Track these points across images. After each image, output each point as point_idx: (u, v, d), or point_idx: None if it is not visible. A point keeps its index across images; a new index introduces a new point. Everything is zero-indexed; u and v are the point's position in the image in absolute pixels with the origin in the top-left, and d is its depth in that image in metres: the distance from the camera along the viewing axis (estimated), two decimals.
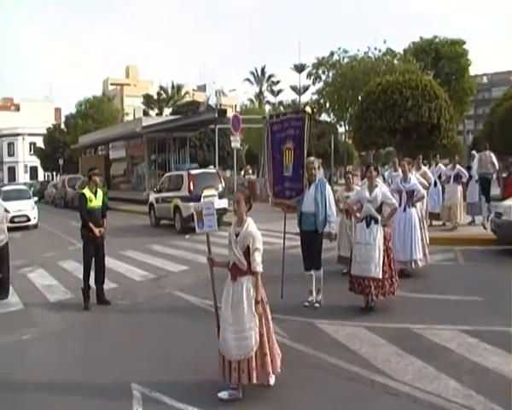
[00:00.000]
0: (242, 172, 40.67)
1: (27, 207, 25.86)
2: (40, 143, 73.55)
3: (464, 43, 44.73)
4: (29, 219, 25.58)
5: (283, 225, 10.39)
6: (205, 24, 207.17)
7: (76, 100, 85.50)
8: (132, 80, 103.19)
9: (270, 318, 5.90)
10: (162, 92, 77.96)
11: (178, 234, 19.98)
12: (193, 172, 21.61)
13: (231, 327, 5.72)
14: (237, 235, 5.84)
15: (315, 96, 44.62)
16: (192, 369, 6.66)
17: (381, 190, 8.91)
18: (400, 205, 10.68)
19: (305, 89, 58.41)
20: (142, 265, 14.02)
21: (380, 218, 8.78)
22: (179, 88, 78.61)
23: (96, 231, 10.31)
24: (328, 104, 42.43)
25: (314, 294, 9.29)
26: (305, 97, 61.32)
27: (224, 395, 5.73)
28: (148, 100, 78.15)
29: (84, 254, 10.56)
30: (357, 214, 9.29)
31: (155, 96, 78.56)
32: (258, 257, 5.72)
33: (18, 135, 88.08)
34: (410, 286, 9.94)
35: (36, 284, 12.58)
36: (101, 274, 10.57)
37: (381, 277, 8.49)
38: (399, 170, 12.57)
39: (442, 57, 43.51)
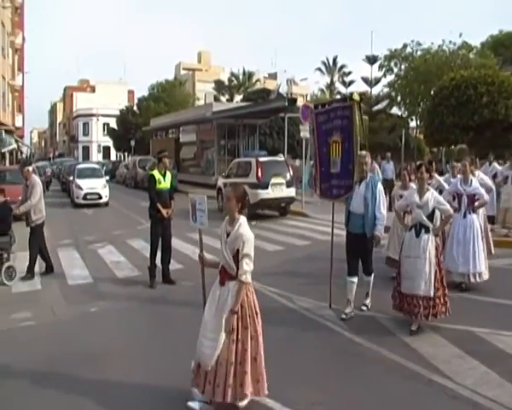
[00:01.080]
0: (312, 162, 40.54)
1: (99, 186, 26.60)
2: (113, 123, 75.33)
3: None
4: (100, 197, 26.29)
5: (331, 220, 9.23)
6: (277, 11, 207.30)
7: (149, 83, 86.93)
8: (204, 66, 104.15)
9: (259, 331, 5.27)
10: (233, 79, 78.36)
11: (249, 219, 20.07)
12: (261, 159, 21.63)
13: (210, 334, 5.22)
14: (228, 234, 5.30)
15: (386, 89, 44.05)
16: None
17: (433, 194, 7.88)
18: (459, 210, 10.03)
19: (377, 81, 57.57)
20: (209, 248, 14.00)
21: (431, 226, 7.77)
22: (250, 75, 78.82)
23: (164, 212, 10.56)
24: (399, 98, 41.75)
25: (352, 305, 8.38)
26: (377, 89, 60.61)
27: (194, 405, 5.33)
28: (219, 86, 78.72)
29: (151, 234, 10.86)
30: (406, 221, 8.64)
31: (226, 83, 79.03)
32: (246, 265, 5.13)
33: (92, 115, 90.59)
34: (474, 288, 9.72)
35: (105, 259, 13.01)
36: (168, 254, 10.85)
37: (432, 295, 7.48)
38: (460, 170, 10.96)
39: None
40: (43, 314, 8.77)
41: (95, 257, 13.29)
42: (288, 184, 21.30)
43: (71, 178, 28.92)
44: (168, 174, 10.94)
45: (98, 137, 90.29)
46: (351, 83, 73.15)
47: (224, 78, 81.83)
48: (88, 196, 25.86)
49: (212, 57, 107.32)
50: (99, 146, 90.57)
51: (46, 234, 12.15)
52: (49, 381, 6.13)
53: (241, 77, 78.42)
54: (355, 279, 8.46)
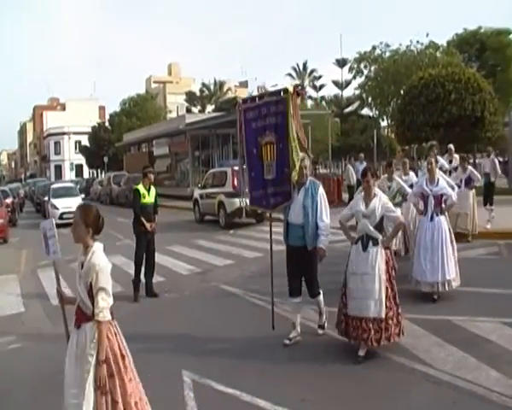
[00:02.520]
0: (244, 166, 40.78)
1: (75, 205, 26.34)
2: (85, 141, 75.09)
3: (511, 32, 43.42)
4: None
5: (269, 232, 8.39)
6: (245, 19, 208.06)
7: (120, 98, 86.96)
8: (175, 78, 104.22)
9: (131, 377, 4.50)
10: (204, 89, 78.60)
11: (223, 229, 20.26)
12: (236, 168, 21.82)
13: (73, 390, 4.33)
14: (83, 266, 4.46)
15: (357, 91, 44.53)
16: (238, 357, 6.99)
17: (381, 200, 6.95)
18: (426, 212, 9.38)
19: (348, 83, 58.01)
20: (189, 259, 14.35)
21: (380, 238, 6.88)
22: (221, 85, 79.17)
23: (148, 225, 10.72)
24: (370, 99, 42.26)
25: (298, 329, 7.56)
26: (348, 92, 61.13)
27: None
28: (190, 97, 78.91)
29: (136, 248, 11.01)
30: (353, 235, 7.27)
31: (198, 94, 79.25)
32: (102, 300, 4.29)
33: (64, 134, 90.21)
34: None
35: None
36: (152, 268, 10.99)
37: (383, 316, 6.60)
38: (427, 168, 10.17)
39: (487, 48, 42.38)
40: (28, 336, 8.80)
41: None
42: None
43: (45, 198, 28.80)
44: (152, 189, 11.12)
45: (70, 156, 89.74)
46: (322, 86, 73.84)
47: (196, 89, 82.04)
48: (64, 216, 25.62)
49: (182, 69, 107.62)
50: (71, 164, 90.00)
51: (25, 256, 12.15)
52: (39, 399, 6.20)
53: (212, 87, 78.74)
54: (298, 299, 7.57)
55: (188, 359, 6.97)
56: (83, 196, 30.06)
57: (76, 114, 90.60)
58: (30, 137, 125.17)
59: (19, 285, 12.60)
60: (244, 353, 7.12)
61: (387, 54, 40.00)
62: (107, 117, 77.08)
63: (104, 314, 4.29)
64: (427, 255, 9.14)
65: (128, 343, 7.94)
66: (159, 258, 12.91)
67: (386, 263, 6.81)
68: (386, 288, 6.70)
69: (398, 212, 7.20)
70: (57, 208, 26.02)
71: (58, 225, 18.22)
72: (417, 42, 38.92)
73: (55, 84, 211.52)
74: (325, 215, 7.32)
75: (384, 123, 49.73)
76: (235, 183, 20.60)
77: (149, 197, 10.99)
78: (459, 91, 25.52)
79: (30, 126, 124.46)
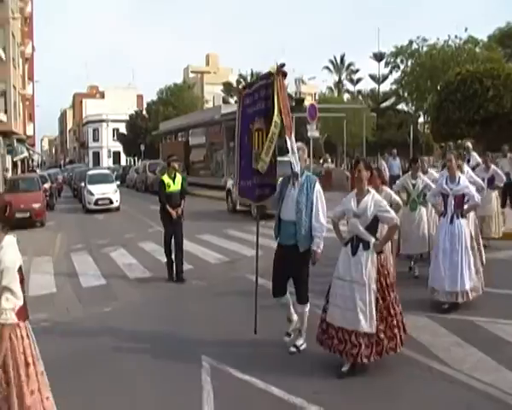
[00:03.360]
0: (322, 161, 40.73)
1: (110, 191, 26.98)
2: (123, 129, 75.94)
3: None
4: (112, 202, 26.65)
5: (256, 229, 8.07)
6: (284, 11, 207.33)
7: (157, 87, 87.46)
8: (212, 68, 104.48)
9: (33, 390, 4.08)
10: (241, 80, 78.65)
11: (254, 220, 20.33)
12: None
13: None
14: None
15: (394, 86, 44.20)
16: (257, 346, 7.11)
17: (375, 197, 6.20)
18: (446, 214, 8.55)
19: (385, 78, 57.50)
20: (218, 248, 14.51)
21: (372, 241, 6.16)
22: (258, 76, 79.12)
23: (173, 213, 10.98)
24: (406, 94, 41.88)
25: (294, 317, 7.05)
26: (385, 86, 60.60)
27: None
28: (227, 88, 79.03)
29: (164, 235, 11.39)
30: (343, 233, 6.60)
31: (235, 84, 79.39)
32: (6, 301, 3.93)
33: (102, 121, 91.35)
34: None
35: (117, 262, 13.33)
36: (180, 254, 11.24)
37: (374, 331, 5.97)
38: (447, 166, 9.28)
39: None
40: (58, 315, 9.08)
41: (107, 260, 13.62)
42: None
43: (82, 184, 29.35)
44: (178, 176, 11.39)
45: (108, 143, 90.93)
46: (358, 80, 73.28)
47: (233, 79, 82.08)
48: (99, 202, 26.25)
49: (220, 59, 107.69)
50: (109, 151, 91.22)
51: (59, 239, 12.49)
52: (66, 375, 6.41)
53: (249, 78, 78.67)
54: (284, 299, 7.03)
55: (208, 345, 7.13)
56: (118, 182, 30.45)
57: (114, 102, 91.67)
58: (70, 124, 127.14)
59: (52, 267, 12.95)
60: (263, 343, 7.21)
61: (424, 48, 39.58)
62: (145, 106, 77.85)
63: (7, 316, 3.92)
64: (446, 262, 8.33)
65: (153, 326, 8.21)
66: (189, 246, 13.12)
67: (378, 270, 6.12)
68: (377, 299, 6.04)
69: (393, 212, 6.31)
70: (92, 194, 26.50)
71: (93, 211, 19.18)
72: (456, 36, 38.49)
73: (94, 72, 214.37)
74: (321, 215, 6.64)
75: (421, 119, 49.29)
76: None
77: (174, 185, 11.27)
78: (497, 88, 25.14)
79: (70, 113, 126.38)
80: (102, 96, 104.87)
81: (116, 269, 12.52)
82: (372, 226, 6.20)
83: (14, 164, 44.82)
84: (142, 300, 9.93)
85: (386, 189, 8.88)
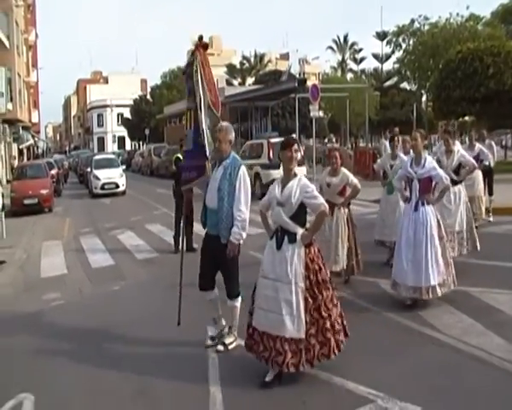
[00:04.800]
0: (326, 141, 40.91)
1: (116, 175, 27.32)
2: (127, 113, 76.23)
3: None
4: (118, 186, 27.03)
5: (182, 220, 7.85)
6: None
7: (161, 71, 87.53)
8: (216, 50, 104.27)
9: None
10: (245, 62, 78.56)
11: (258, 200, 20.59)
12: (272, 140, 22.16)
13: None
14: None
15: (396, 65, 44.20)
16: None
17: (301, 181, 5.45)
18: (410, 200, 7.64)
19: (388, 57, 57.42)
20: None
21: (300, 232, 5.41)
22: (262, 57, 78.96)
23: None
24: (408, 73, 41.87)
25: (223, 322, 6.63)
26: (388, 65, 60.55)
27: None
28: (231, 69, 78.95)
29: (175, 209, 12.12)
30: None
31: (238, 66, 79.32)
32: None
33: (106, 106, 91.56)
34: (473, 252, 9.72)
35: (125, 244, 13.71)
36: (190, 225, 11.73)
37: (303, 336, 5.29)
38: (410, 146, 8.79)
39: None
40: (70, 295, 9.47)
41: (115, 242, 13.99)
42: (299, 164, 21.79)
43: (88, 169, 29.70)
44: None
45: (113, 128, 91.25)
46: (362, 60, 73.23)
47: (236, 61, 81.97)
48: (105, 186, 26.61)
49: (224, 41, 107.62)
50: (114, 136, 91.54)
51: (68, 224, 12.86)
52: (81, 349, 6.82)
53: (252, 59, 78.58)
54: (211, 295, 6.55)
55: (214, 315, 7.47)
56: (124, 167, 30.81)
57: (118, 87, 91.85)
58: (74, 110, 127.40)
59: (62, 250, 13.34)
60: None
61: (426, 27, 39.48)
62: (149, 90, 78.05)
63: None
64: (409, 253, 7.45)
65: (159, 302, 8.55)
66: (195, 227, 13.44)
67: (307, 266, 5.40)
68: (306, 299, 5.33)
69: (321, 198, 5.48)
70: (99, 179, 26.84)
71: (100, 195, 19.63)
72: (457, 14, 38.39)
73: (98, 58, 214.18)
74: (243, 203, 6.07)
75: (425, 97, 49.30)
76: (271, 154, 20.97)
77: None
78: (498, 65, 25.13)
79: (74, 100, 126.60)
80: (106, 81, 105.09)
81: (124, 250, 12.89)
82: (298, 215, 5.43)
83: (21, 152, 45.21)
84: (150, 278, 10.30)
85: (344, 170, 8.45)
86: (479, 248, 9.34)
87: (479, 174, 12.19)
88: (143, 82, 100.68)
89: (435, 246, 7.38)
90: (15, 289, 10.16)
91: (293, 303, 5.29)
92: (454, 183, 9.06)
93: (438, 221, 7.57)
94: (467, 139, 14.37)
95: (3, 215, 14.29)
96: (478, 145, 12.71)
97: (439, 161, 9.08)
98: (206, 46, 6.84)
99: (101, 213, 20.41)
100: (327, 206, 5.47)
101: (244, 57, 79.04)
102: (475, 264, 9.35)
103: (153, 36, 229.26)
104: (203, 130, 6.62)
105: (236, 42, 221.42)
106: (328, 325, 5.42)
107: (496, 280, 8.35)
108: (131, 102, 73.85)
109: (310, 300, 5.35)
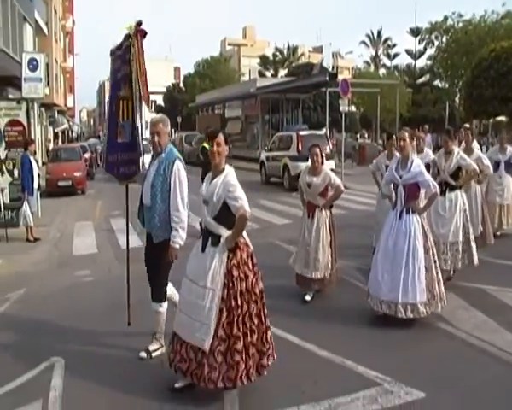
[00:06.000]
0: (358, 136, 41.00)
1: (147, 160, 27.59)
2: (160, 101, 76.80)
3: None
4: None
5: (126, 212, 7.27)
6: None
7: (194, 60, 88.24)
8: (249, 41, 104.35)
9: None
10: (278, 53, 78.63)
11: (286, 191, 20.82)
12: (302, 133, 22.44)
13: None
14: None
15: (429, 62, 43.92)
16: (276, 298, 7.55)
17: (226, 178, 5.00)
18: (395, 207, 6.97)
19: (421, 53, 56.98)
20: (250, 217, 15.17)
21: (225, 235, 4.96)
22: (295, 50, 78.92)
23: None
24: (440, 70, 41.62)
25: (160, 339, 6.09)
26: (421, 62, 60.09)
27: None
28: (264, 61, 79.10)
29: None
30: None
31: (271, 58, 79.43)
32: None
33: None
34: (493, 252, 9.94)
35: None
36: None
37: (207, 348, 4.77)
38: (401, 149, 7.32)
39: None
40: (100, 272, 9.95)
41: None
42: (328, 157, 22.05)
43: None
44: None
45: (145, 115, 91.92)
46: (395, 55, 72.61)
47: (269, 52, 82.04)
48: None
49: (258, 32, 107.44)
50: (146, 123, 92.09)
51: (99, 206, 13.33)
52: (110, 320, 7.23)
53: (285, 51, 78.59)
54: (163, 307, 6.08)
55: None
56: None
57: (152, 75, 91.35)
58: (108, 96, 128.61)
59: (94, 231, 13.88)
60: (281, 295, 7.85)
61: (460, 24, 39.14)
62: (182, 78, 78.57)
63: None
64: (386, 264, 6.80)
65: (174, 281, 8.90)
66: None
67: (230, 273, 4.88)
68: (221, 310, 4.82)
69: (242, 201, 4.93)
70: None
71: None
72: (492, 12, 37.97)
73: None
74: (179, 202, 5.64)
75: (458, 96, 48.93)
76: (300, 147, 21.23)
77: None
78: None
79: (108, 86, 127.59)
80: None
81: None
82: (223, 216, 4.96)
83: (56, 135, 46.14)
84: (176, 261, 10.65)
85: (326, 169, 7.86)
86: (476, 262, 8.47)
87: (510, 180, 11.41)
88: (177, 70, 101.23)
89: (418, 259, 6.64)
90: (50, 265, 10.70)
91: (205, 309, 4.81)
92: (451, 188, 8.39)
93: (425, 232, 6.82)
94: (495, 140, 14.04)
95: (39, 195, 14.83)
96: (510, 148, 11.54)
97: (435, 164, 8.62)
98: (144, 33, 6.27)
99: (131, 198, 20.81)
100: (247, 210, 4.91)
101: (277, 49, 79.07)
102: (494, 263, 9.46)
103: (186, 25, 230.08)
104: (138, 123, 6.42)
105: (270, 33, 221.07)
106: (239, 346, 4.80)
107: None
108: (164, 90, 74.43)
109: (225, 312, 4.82)
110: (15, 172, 13.61)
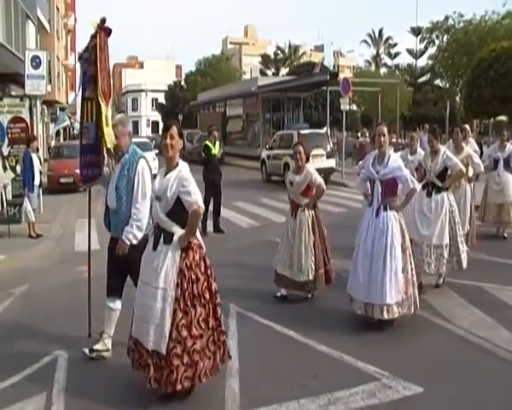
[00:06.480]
0: (359, 135, 41.05)
1: (149, 158, 27.47)
2: (162, 98, 77.00)
3: None
4: (150, 170, 27.35)
5: (88, 211, 7.16)
6: None
7: (196, 58, 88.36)
8: (251, 39, 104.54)
9: None
10: (279, 52, 78.73)
11: (286, 190, 20.91)
12: (302, 131, 22.58)
13: None
14: None
15: (430, 61, 44.00)
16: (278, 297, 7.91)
17: (180, 174, 4.83)
18: (372, 204, 6.70)
19: (422, 53, 57.04)
20: (251, 215, 15.36)
21: (179, 232, 4.82)
22: (296, 48, 79.04)
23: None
24: (441, 70, 41.70)
25: (108, 343, 5.95)
26: (422, 61, 60.17)
27: None
28: (265, 60, 79.23)
29: (205, 192, 12.60)
30: None
31: (272, 56, 79.52)
32: None
33: (141, 91, 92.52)
34: (493, 250, 10.11)
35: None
36: (218, 208, 13.04)
37: (164, 351, 4.68)
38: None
39: None
40: (101, 268, 9.98)
41: None
42: (328, 156, 22.24)
43: None
44: (217, 143, 13.18)
45: (147, 112, 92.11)
46: (396, 55, 72.78)
47: (271, 51, 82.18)
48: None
49: (259, 31, 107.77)
50: (148, 121, 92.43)
51: (101, 203, 13.31)
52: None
53: (286, 50, 78.70)
54: (115, 305, 5.97)
55: (235, 294, 7.90)
56: (157, 151, 31.41)
57: (153, 73, 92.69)
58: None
59: (95, 227, 13.89)
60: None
61: (461, 24, 39.17)
62: (183, 76, 78.67)
63: None
64: (366, 264, 6.57)
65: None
66: (223, 212, 13.94)
67: (182, 272, 4.76)
68: (175, 311, 4.71)
69: (195, 196, 4.77)
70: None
71: None
72: (493, 12, 38.01)
73: (134, 43, 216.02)
74: (140, 200, 5.55)
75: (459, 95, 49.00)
76: None
77: (215, 150, 13.02)
78: None
79: None
80: (141, 66, 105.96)
81: None
82: (176, 212, 4.81)
83: (57, 132, 46.20)
84: None
85: (309, 168, 7.68)
86: (464, 266, 8.15)
87: (510, 177, 11.33)
88: (178, 68, 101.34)
89: (396, 258, 6.40)
90: (52, 261, 10.79)
91: (158, 311, 4.71)
92: (438, 190, 8.02)
93: (402, 231, 6.57)
94: (496, 139, 13.79)
95: (41, 192, 14.93)
96: (509, 146, 11.51)
97: (421, 164, 8.39)
98: (109, 31, 6.14)
99: None
100: (201, 205, 4.80)
101: (278, 48, 79.21)
102: (492, 261, 9.58)
103: (188, 23, 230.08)
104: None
105: (271, 32, 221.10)
106: (197, 346, 4.76)
107: None
108: (166, 88, 74.56)
109: (179, 313, 4.71)
110: (18, 169, 13.69)
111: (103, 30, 6.08)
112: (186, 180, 4.75)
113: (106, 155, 6.22)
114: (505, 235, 11.41)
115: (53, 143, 37.72)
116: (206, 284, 4.88)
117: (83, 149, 6.51)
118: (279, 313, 7.30)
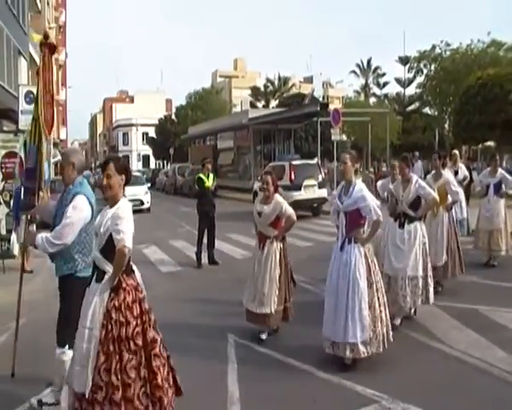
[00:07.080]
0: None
1: (141, 193, 27.87)
2: (152, 132, 77.36)
3: None
4: (143, 203, 27.60)
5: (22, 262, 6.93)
6: (311, 16, 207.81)
7: (186, 92, 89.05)
8: (240, 72, 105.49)
9: None
10: (269, 84, 79.47)
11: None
12: (294, 162, 22.77)
13: None
14: None
15: (418, 90, 44.55)
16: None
17: (119, 209, 4.72)
18: (338, 238, 6.43)
19: (410, 81, 57.84)
20: (244, 246, 15.34)
21: (109, 270, 4.56)
22: (286, 80, 79.83)
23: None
24: (429, 98, 42.22)
25: (64, 396, 5.32)
26: (410, 90, 60.94)
27: None
28: (255, 92, 79.91)
29: (199, 224, 13.04)
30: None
31: (262, 89, 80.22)
32: None
33: (132, 125, 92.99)
34: (487, 273, 10.37)
35: (150, 257, 14.29)
36: (212, 240, 13.03)
37: (86, 392, 4.39)
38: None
39: None
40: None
41: (140, 255, 14.43)
42: (320, 186, 22.40)
43: None
44: (211, 175, 13.27)
45: (138, 147, 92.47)
46: (385, 84, 73.74)
47: (260, 83, 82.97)
48: (131, 203, 27.14)
49: (248, 63, 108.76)
50: (139, 155, 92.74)
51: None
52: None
53: (276, 82, 79.45)
54: (63, 352, 5.36)
55: (233, 323, 7.99)
56: (149, 185, 31.51)
57: (144, 107, 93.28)
58: (100, 128, 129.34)
59: None
60: (282, 323, 7.87)
61: (447, 53, 39.81)
62: (174, 110, 79.19)
63: None
64: (331, 301, 6.31)
65: (184, 310, 9.07)
66: (217, 244, 13.99)
67: (109, 314, 4.45)
68: (98, 353, 4.41)
69: (124, 235, 4.52)
70: (124, 196, 27.40)
71: None
72: (478, 40, 38.69)
73: (124, 78, 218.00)
74: (65, 223, 5.11)
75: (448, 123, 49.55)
76: (292, 176, 21.51)
77: (209, 183, 13.09)
78: None
79: (100, 118, 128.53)
80: (132, 100, 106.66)
81: (149, 263, 13.38)
82: (108, 249, 4.58)
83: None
84: (174, 289, 10.88)
85: (278, 198, 7.41)
86: (431, 301, 7.89)
87: (500, 203, 11.22)
88: (168, 102, 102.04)
89: (360, 294, 6.06)
90: (47, 295, 10.72)
91: (83, 351, 4.46)
92: (410, 220, 7.77)
93: (369, 264, 6.22)
94: (485, 165, 14.14)
95: (35, 227, 14.90)
96: (501, 171, 11.41)
97: (392, 194, 8.15)
98: (52, 48, 5.93)
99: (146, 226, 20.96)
100: (128, 246, 4.50)
101: (268, 80, 80.00)
102: (486, 284, 9.76)
103: (178, 56, 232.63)
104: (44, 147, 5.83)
105: (261, 64, 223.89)
106: (117, 397, 4.36)
107: (506, 300, 8.63)
108: (156, 122, 74.98)
109: (102, 356, 4.40)
110: (12, 204, 13.72)
111: (47, 46, 5.90)
112: (119, 219, 4.56)
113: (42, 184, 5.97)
114: (495, 264, 11.30)
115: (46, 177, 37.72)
116: (138, 329, 4.53)
117: (26, 174, 6.21)
118: (277, 341, 7.37)
